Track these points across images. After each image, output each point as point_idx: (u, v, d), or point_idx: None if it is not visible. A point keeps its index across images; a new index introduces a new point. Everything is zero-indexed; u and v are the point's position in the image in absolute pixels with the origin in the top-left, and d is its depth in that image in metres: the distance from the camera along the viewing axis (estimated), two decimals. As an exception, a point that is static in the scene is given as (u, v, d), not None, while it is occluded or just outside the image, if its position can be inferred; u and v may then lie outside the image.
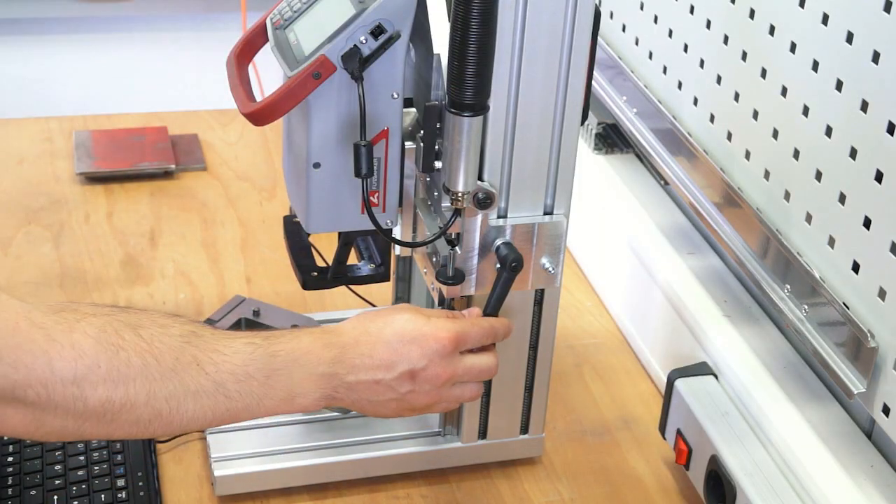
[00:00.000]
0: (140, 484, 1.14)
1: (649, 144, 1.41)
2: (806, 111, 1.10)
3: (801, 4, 1.09)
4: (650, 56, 1.42)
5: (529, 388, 1.18)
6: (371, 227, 1.05)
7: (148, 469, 1.16)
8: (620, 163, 1.55)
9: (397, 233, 1.12)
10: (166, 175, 1.71)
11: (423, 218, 1.10)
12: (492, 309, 1.07)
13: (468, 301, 1.11)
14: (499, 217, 1.07)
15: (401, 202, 1.09)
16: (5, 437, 1.18)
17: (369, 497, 1.18)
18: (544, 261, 1.09)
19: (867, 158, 1.01)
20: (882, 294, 1.00)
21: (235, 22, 2.45)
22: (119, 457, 1.17)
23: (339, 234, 1.14)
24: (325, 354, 0.96)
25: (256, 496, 1.16)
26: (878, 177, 0.99)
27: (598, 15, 1.02)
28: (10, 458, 1.16)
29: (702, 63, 1.29)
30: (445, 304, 1.11)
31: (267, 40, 1.10)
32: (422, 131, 1.03)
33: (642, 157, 1.54)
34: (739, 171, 1.23)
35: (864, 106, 1.01)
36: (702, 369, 1.21)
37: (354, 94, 1.00)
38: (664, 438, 1.22)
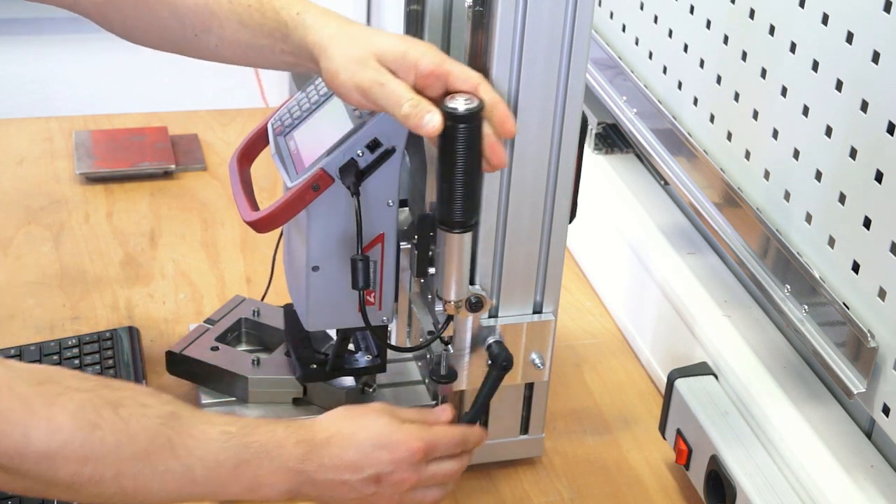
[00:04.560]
0: (140, 484, 1.14)
1: (649, 144, 1.41)
2: (806, 111, 1.10)
3: (801, 4, 1.09)
4: (650, 56, 1.42)
5: (529, 388, 1.18)
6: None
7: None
8: (620, 163, 1.55)
9: (393, 327, 1.15)
10: (166, 175, 1.71)
11: (418, 313, 1.14)
12: (480, 405, 1.10)
13: (461, 396, 1.14)
14: (490, 317, 1.10)
15: (396, 297, 1.12)
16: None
17: (369, 497, 1.18)
18: (533, 356, 1.13)
19: (867, 158, 1.01)
20: (882, 294, 1.00)
21: (235, 22, 2.45)
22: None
23: (338, 329, 1.17)
24: (296, 451, 0.98)
25: (256, 496, 1.16)
26: (878, 177, 0.99)
27: (584, 123, 1.04)
28: (10, 458, 1.15)
29: (702, 63, 1.29)
30: (439, 399, 1.16)
31: (267, 144, 1.14)
32: (416, 237, 1.07)
33: (642, 157, 1.54)
34: (739, 171, 1.23)
35: (864, 106, 1.01)
36: (702, 369, 1.21)
37: (351, 202, 1.03)
38: (664, 438, 1.22)
